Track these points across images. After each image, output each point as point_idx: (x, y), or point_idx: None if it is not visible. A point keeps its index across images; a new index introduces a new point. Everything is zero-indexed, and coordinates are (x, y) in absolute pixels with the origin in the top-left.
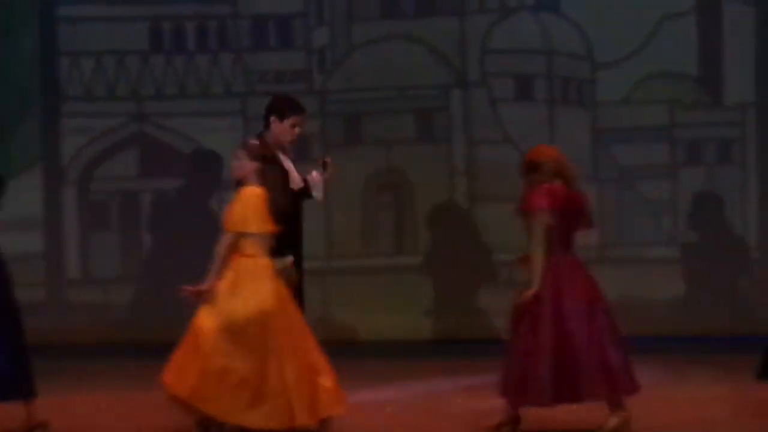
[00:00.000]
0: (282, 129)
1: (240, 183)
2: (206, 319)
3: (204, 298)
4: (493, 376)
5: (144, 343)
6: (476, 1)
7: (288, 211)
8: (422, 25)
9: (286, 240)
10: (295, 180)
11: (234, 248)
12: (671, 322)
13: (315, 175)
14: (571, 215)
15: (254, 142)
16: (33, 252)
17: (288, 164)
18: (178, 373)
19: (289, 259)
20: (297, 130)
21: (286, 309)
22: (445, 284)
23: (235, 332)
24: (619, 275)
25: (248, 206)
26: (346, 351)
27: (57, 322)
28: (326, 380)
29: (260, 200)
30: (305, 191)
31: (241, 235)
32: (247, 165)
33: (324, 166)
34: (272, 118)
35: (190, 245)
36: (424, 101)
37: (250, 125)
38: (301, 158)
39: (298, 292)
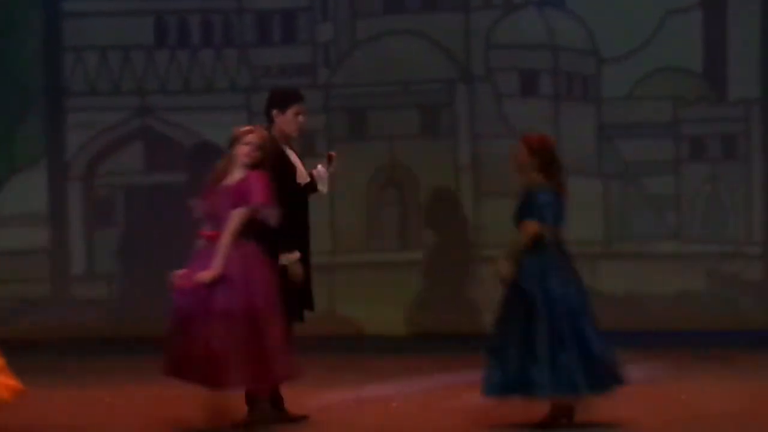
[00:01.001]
0: (285, 120)
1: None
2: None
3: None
4: None
5: (149, 338)
6: None
7: (294, 206)
8: (426, 20)
9: (292, 235)
10: (302, 175)
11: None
12: (675, 317)
13: (320, 168)
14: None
15: (263, 130)
16: (38, 247)
17: (295, 159)
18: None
19: (296, 254)
20: (301, 118)
21: None
22: (450, 280)
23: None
24: (623, 270)
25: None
26: (352, 346)
27: (62, 317)
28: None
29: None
30: (311, 185)
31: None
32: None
33: (329, 160)
34: (274, 112)
35: (192, 240)
36: (429, 96)
37: (255, 120)
38: (307, 154)
39: (304, 288)
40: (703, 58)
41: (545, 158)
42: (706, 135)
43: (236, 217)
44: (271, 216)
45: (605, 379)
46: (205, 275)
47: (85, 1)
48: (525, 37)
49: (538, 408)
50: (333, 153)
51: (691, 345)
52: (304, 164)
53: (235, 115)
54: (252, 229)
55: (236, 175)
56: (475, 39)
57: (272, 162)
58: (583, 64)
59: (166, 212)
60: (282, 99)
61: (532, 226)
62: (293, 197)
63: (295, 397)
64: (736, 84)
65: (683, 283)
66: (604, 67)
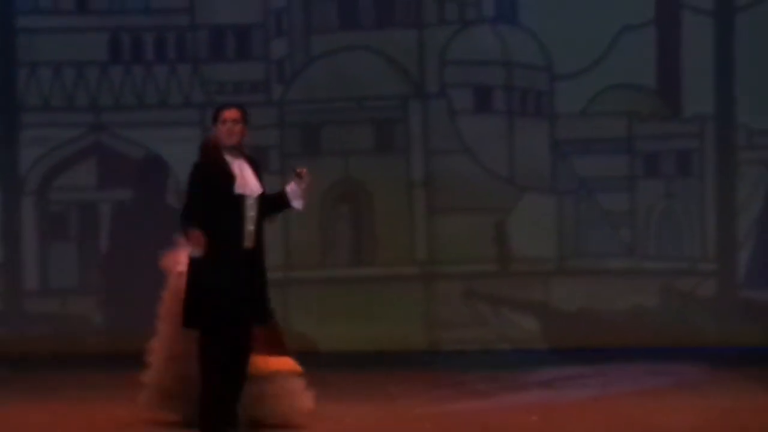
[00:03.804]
0: (218, 131)
1: None
2: None
3: None
4: (448, 387)
5: (102, 354)
6: (435, 12)
7: (219, 212)
8: (381, 37)
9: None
10: (243, 186)
11: None
12: (630, 334)
13: (293, 186)
14: None
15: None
16: None
17: (238, 171)
18: None
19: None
20: (229, 125)
21: None
22: (404, 295)
23: None
24: (577, 286)
25: None
26: (305, 362)
27: (15, 332)
28: None
29: None
30: (281, 201)
31: None
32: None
33: (299, 176)
34: (213, 127)
35: (147, 255)
36: (383, 112)
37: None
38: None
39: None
40: (657, 75)
41: None
42: (660, 151)
43: None
44: None
45: None
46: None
47: (38, 18)
48: (479, 53)
49: None
50: (302, 169)
51: (645, 361)
52: (260, 176)
53: (189, 131)
54: None
55: None
56: (429, 55)
57: (207, 168)
58: (537, 80)
59: (119, 228)
60: (214, 114)
61: None
62: (219, 204)
63: None
64: (691, 100)
65: (637, 299)
66: (558, 83)
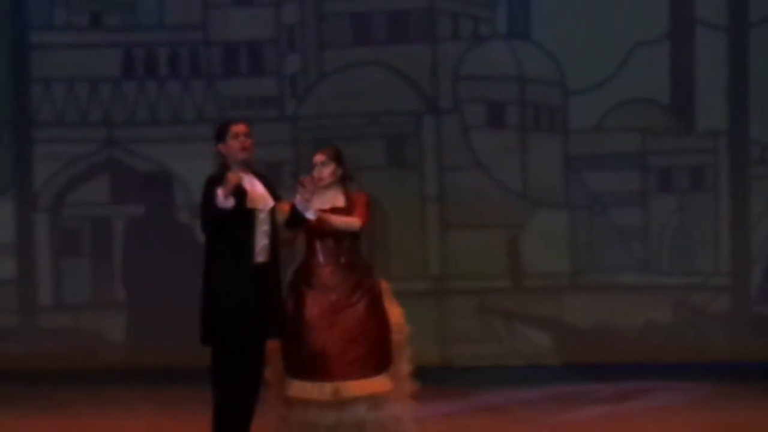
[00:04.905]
0: (228, 148)
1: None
2: None
3: None
4: (461, 403)
5: (116, 370)
6: (448, 28)
7: (236, 227)
8: (394, 52)
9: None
10: (255, 200)
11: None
12: (642, 349)
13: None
14: None
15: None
16: (5, 278)
17: (249, 186)
18: None
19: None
20: (242, 138)
21: None
22: (417, 311)
23: None
24: (590, 302)
25: None
26: None
27: (30, 347)
28: None
29: None
30: (295, 214)
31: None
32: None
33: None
34: (219, 147)
35: (162, 270)
36: (396, 128)
37: None
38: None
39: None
40: (670, 90)
41: None
42: (673, 166)
43: None
44: None
45: None
46: None
47: (52, 33)
48: (492, 69)
49: None
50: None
51: (657, 376)
52: (272, 190)
53: (202, 147)
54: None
55: None
56: (442, 71)
57: (219, 183)
58: (550, 96)
59: (132, 243)
60: (220, 131)
61: None
62: (236, 219)
63: None
64: (704, 115)
65: (650, 314)
66: (571, 98)
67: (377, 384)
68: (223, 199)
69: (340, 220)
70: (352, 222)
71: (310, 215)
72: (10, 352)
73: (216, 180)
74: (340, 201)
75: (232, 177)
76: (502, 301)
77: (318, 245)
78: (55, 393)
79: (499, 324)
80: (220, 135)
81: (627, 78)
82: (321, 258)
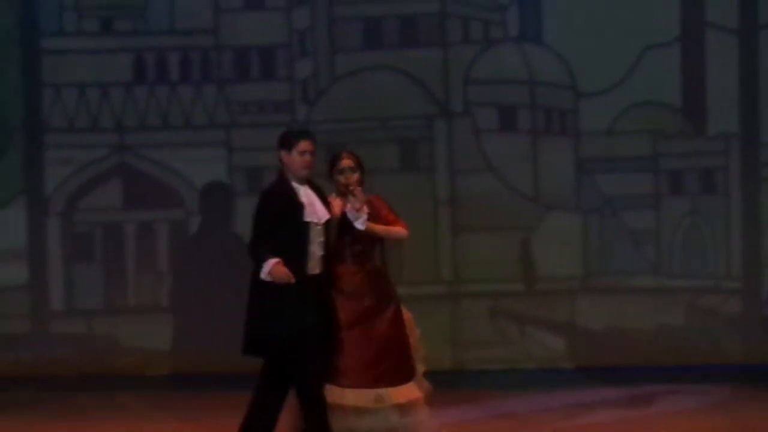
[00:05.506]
0: (291, 160)
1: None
2: None
3: None
4: (474, 406)
5: (128, 375)
6: (460, 32)
7: (293, 239)
8: (406, 56)
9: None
10: (312, 213)
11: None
12: (654, 352)
13: (349, 207)
14: None
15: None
16: (17, 284)
17: (306, 198)
18: None
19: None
20: (307, 156)
21: None
22: (429, 314)
23: None
24: (602, 304)
25: None
26: None
27: (41, 353)
28: None
29: None
30: (346, 224)
31: None
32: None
33: (353, 195)
34: (282, 153)
35: (173, 274)
36: (408, 131)
37: (234, 156)
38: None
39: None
40: (681, 93)
41: None
42: (685, 169)
43: None
44: None
45: None
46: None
47: (64, 39)
48: (503, 72)
49: None
50: (354, 188)
51: (669, 379)
52: (325, 202)
53: (213, 151)
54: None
55: None
56: (454, 74)
57: (278, 200)
58: (562, 99)
59: (144, 248)
60: (288, 139)
61: None
62: (288, 231)
63: None
64: (715, 118)
65: (662, 317)
66: (582, 101)
67: (411, 391)
68: (266, 275)
69: (389, 230)
70: (400, 231)
71: (360, 225)
72: (22, 358)
73: (273, 194)
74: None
75: (284, 276)
76: (514, 304)
77: (347, 251)
78: (67, 399)
79: (512, 327)
80: (287, 145)
81: (638, 81)
82: (351, 264)
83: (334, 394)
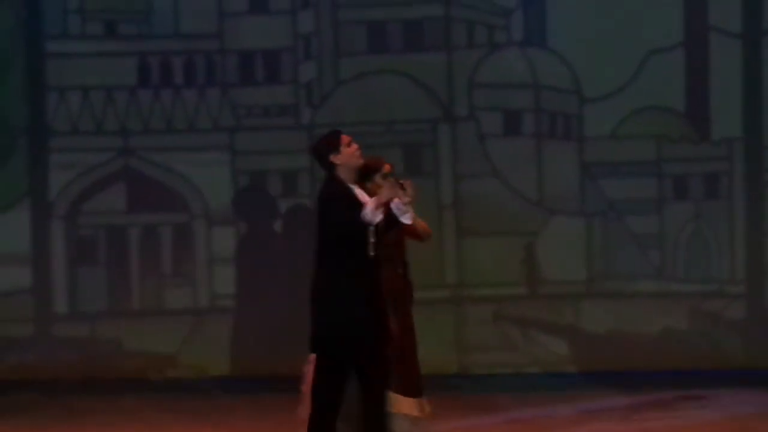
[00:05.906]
0: (346, 155)
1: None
2: None
3: None
4: (478, 411)
5: (132, 379)
6: (464, 36)
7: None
8: (410, 60)
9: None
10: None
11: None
12: (658, 356)
13: (396, 201)
14: None
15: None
16: (21, 287)
17: (364, 197)
18: None
19: None
20: (354, 144)
21: None
22: (433, 319)
23: None
24: (606, 309)
25: None
26: None
27: (45, 357)
28: None
29: None
30: (391, 220)
31: None
32: None
33: (403, 188)
34: (332, 157)
35: (177, 278)
36: (412, 135)
37: (238, 160)
38: (289, 193)
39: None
40: (685, 97)
41: None
42: (689, 174)
43: None
44: None
45: None
46: None
47: (67, 42)
48: (508, 76)
49: None
50: (406, 181)
51: (673, 384)
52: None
53: (218, 155)
54: None
55: None
56: (458, 78)
57: (344, 201)
58: (566, 104)
59: (148, 251)
60: (329, 142)
61: None
62: (358, 233)
63: None
64: (719, 123)
65: (666, 321)
66: (586, 106)
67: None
68: (372, 213)
69: (424, 226)
70: (427, 228)
71: (407, 219)
72: (25, 362)
73: (338, 195)
74: None
75: (389, 189)
76: (519, 308)
77: (395, 253)
78: (71, 402)
79: (516, 331)
80: (333, 147)
81: (642, 85)
82: (398, 267)
83: (403, 403)
